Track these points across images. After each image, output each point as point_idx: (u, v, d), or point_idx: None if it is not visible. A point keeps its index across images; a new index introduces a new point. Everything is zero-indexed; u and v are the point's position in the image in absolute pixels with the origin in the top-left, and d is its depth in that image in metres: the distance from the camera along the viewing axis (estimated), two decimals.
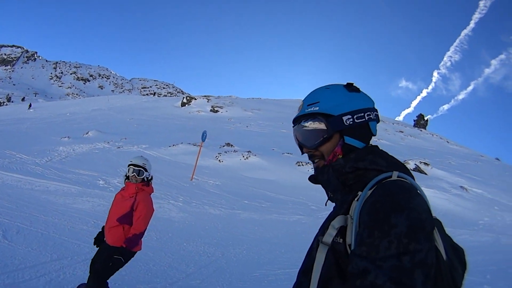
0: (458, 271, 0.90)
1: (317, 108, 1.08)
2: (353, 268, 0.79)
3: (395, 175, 0.95)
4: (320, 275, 0.90)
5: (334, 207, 1.07)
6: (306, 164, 15.04)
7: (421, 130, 41.46)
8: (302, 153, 1.16)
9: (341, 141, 1.07)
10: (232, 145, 17.96)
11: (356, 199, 0.91)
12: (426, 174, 17.04)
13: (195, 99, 40.85)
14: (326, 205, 1.15)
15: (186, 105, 39.31)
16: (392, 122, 43.61)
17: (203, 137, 12.98)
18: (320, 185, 1.13)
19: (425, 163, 18.34)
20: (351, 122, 1.06)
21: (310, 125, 1.09)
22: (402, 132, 37.55)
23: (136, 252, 3.42)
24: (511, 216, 10.99)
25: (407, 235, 0.76)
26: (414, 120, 47.32)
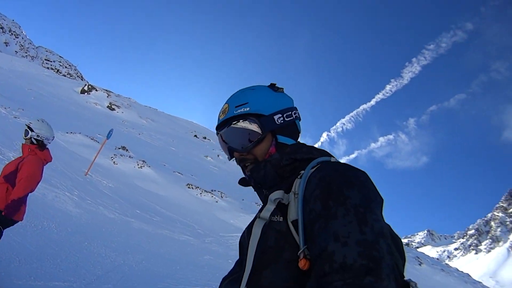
0: (399, 260, 0.87)
1: (248, 108, 1.05)
2: (315, 249, 0.75)
3: (333, 159, 0.98)
4: (255, 251, 0.86)
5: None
6: (196, 188, 15.55)
7: None
8: (231, 158, 1.10)
9: (274, 141, 1.06)
10: (127, 150, 17.20)
11: (298, 177, 0.90)
12: None
13: (96, 90, 37.70)
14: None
15: (86, 94, 36.53)
16: None
17: (109, 135, 12.15)
18: (245, 190, 1.14)
19: None
20: (282, 121, 1.07)
21: (242, 125, 1.04)
22: None
23: (16, 221, 3.17)
24: None
25: (362, 205, 0.75)
26: None
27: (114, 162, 14.40)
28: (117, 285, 4.64)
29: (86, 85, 39.36)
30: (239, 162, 1.08)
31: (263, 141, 1.04)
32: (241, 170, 1.10)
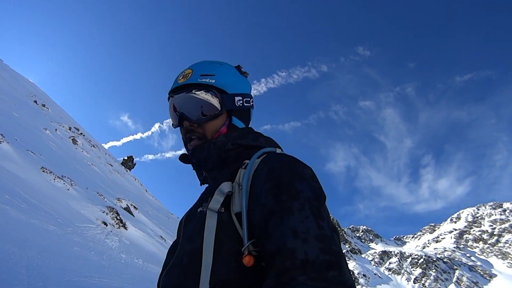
0: None
1: (214, 81, 1.03)
2: (271, 245, 0.71)
3: (278, 150, 0.97)
4: (214, 244, 0.79)
5: (207, 188, 1.00)
6: (50, 173, 14.09)
7: (126, 171, 45.33)
8: (178, 126, 1.07)
9: (227, 121, 1.05)
10: None
11: (243, 167, 0.87)
12: (133, 216, 20.15)
13: None
14: (201, 185, 1.09)
15: None
16: (105, 152, 44.90)
17: None
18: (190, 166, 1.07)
19: (134, 206, 21.53)
20: (240, 104, 1.06)
21: (203, 95, 1.01)
22: (112, 166, 39.54)
23: None
24: None
25: (315, 199, 0.75)
26: (124, 159, 51.03)
27: None
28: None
29: None
30: (186, 132, 1.05)
31: (218, 118, 1.04)
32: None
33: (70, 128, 33.77)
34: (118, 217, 11.46)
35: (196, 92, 1.02)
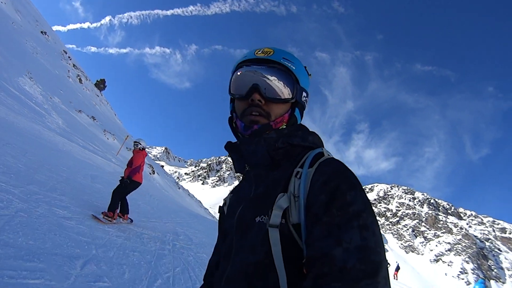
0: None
1: (294, 68, 1.01)
2: (314, 251, 0.74)
3: (325, 152, 0.95)
4: (283, 260, 0.80)
5: (249, 181, 1.01)
6: None
7: (97, 96, 46.47)
8: (247, 98, 0.99)
9: (290, 111, 1.03)
10: None
11: (297, 177, 0.86)
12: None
13: None
14: (236, 173, 1.11)
15: None
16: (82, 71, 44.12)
17: None
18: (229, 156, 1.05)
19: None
20: (305, 100, 1.06)
21: (284, 76, 0.99)
22: (82, 83, 39.39)
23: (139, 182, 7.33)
24: None
25: (364, 210, 0.77)
26: (97, 81, 51.27)
27: None
28: None
29: None
30: (251, 106, 0.98)
31: (285, 104, 1.01)
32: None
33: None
34: None
35: (279, 72, 0.99)
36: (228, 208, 1.09)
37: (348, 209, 0.75)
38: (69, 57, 42.28)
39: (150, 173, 28.13)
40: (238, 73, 1.03)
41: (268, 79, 0.98)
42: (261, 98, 0.97)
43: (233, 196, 1.11)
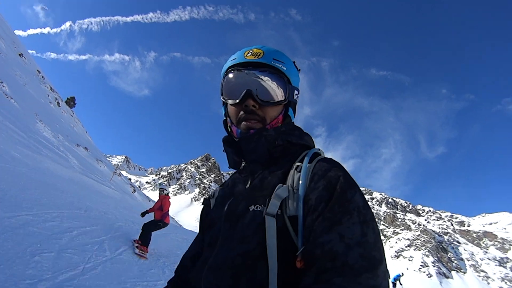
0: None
1: (285, 68, 1.02)
2: (316, 246, 0.75)
3: (322, 152, 0.98)
4: (277, 250, 0.79)
5: (244, 176, 1.03)
6: None
7: (71, 115, 48.13)
8: (239, 101, 0.99)
9: (283, 111, 1.04)
10: None
11: (297, 170, 0.88)
12: None
13: None
14: (229, 168, 1.07)
15: None
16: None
17: None
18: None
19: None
20: (297, 98, 1.07)
21: (276, 79, 1.00)
22: (60, 106, 41.27)
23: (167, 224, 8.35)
24: None
25: (364, 207, 0.79)
26: (68, 98, 52.58)
27: None
28: None
29: None
30: (246, 112, 0.99)
31: (279, 106, 1.02)
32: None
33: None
34: None
35: (271, 75, 0.99)
36: (217, 199, 1.08)
37: (349, 205, 0.78)
38: (42, 77, 43.84)
39: (132, 192, 31.64)
40: (230, 76, 1.04)
41: (262, 79, 0.99)
42: (255, 103, 0.98)
43: (223, 189, 1.11)
